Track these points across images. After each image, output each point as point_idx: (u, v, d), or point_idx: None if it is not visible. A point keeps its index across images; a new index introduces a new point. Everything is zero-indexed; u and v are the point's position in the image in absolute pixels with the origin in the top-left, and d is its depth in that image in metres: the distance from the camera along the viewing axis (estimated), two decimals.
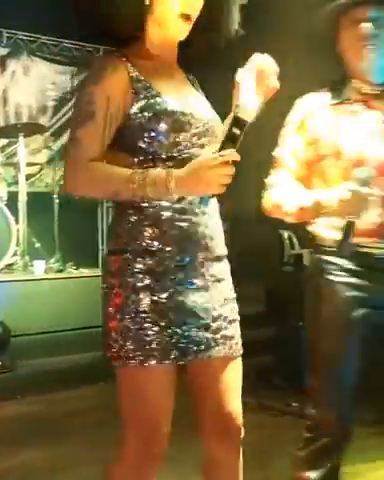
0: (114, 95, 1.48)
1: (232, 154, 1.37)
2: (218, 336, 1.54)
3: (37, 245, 5.56)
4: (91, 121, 1.47)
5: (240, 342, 1.61)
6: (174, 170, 1.44)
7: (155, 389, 1.50)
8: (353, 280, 1.76)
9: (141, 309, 1.47)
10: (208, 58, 1.74)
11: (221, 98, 1.66)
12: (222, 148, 1.38)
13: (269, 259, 4.21)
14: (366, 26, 1.77)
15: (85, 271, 5.46)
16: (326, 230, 1.80)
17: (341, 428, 1.79)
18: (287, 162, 1.86)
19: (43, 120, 6.54)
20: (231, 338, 1.57)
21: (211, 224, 1.57)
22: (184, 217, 1.51)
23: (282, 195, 1.82)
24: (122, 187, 1.43)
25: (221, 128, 1.47)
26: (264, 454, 2.68)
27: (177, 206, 1.51)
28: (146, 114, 1.48)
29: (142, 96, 1.50)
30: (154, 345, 1.46)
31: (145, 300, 1.47)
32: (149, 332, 1.47)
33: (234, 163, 1.39)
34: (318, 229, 1.84)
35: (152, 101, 1.49)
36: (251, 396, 3.26)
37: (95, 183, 1.48)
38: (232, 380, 1.60)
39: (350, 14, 1.80)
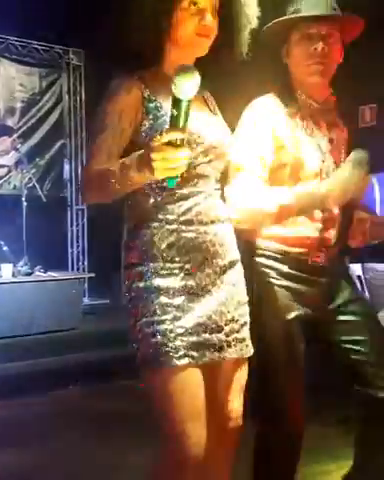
0: (126, 112, 1.56)
1: (169, 134, 1.32)
2: (231, 338, 1.62)
3: (5, 248, 5.50)
4: (101, 135, 1.55)
5: (250, 344, 1.68)
6: (137, 155, 1.42)
7: (179, 390, 1.54)
8: (291, 284, 1.82)
9: (157, 317, 1.55)
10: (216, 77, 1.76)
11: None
12: (167, 131, 1.34)
13: None
14: (318, 43, 1.77)
15: (54, 274, 5.42)
16: (266, 239, 1.83)
17: (294, 421, 1.81)
18: (252, 166, 1.73)
19: (11, 122, 6.49)
20: (242, 340, 1.65)
21: (220, 231, 1.64)
22: (191, 228, 1.59)
23: (254, 199, 1.70)
24: (117, 180, 1.45)
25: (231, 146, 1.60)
26: None
27: (183, 218, 1.59)
28: (155, 132, 1.53)
29: (152, 115, 1.57)
30: (172, 349, 1.53)
31: (160, 307, 1.55)
32: (167, 337, 1.54)
33: (181, 144, 1.33)
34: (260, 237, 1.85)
35: (161, 120, 1.56)
36: None
37: (96, 186, 1.53)
38: (239, 381, 1.69)
39: (302, 29, 1.80)
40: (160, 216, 1.59)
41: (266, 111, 1.80)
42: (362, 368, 1.84)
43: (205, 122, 1.64)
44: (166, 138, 1.32)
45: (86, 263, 7.07)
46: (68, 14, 5.60)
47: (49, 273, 5.40)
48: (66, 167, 6.95)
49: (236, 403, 1.69)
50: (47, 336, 4.86)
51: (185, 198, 1.59)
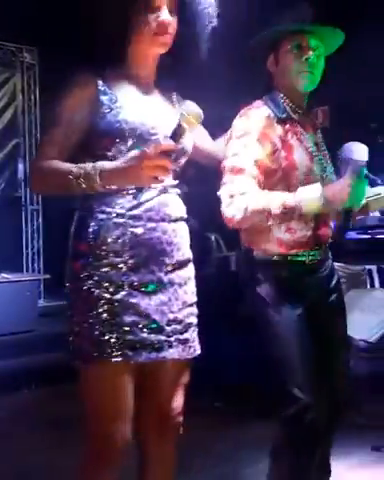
0: (80, 107, 1.59)
1: (167, 143, 1.46)
2: (172, 339, 1.61)
3: None
4: (54, 130, 1.61)
5: (196, 346, 1.68)
6: (103, 163, 1.52)
7: (109, 387, 1.55)
8: (287, 286, 1.88)
9: (97, 310, 1.55)
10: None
11: None
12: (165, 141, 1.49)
13: (195, 262, 4.24)
14: (309, 54, 1.87)
15: (8, 276, 5.33)
16: (263, 245, 1.90)
17: (308, 398, 1.81)
18: (249, 169, 1.82)
19: None
20: (185, 341, 1.64)
21: (170, 229, 1.64)
22: (138, 223, 1.59)
23: (257, 200, 1.78)
24: (66, 181, 1.51)
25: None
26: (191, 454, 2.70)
27: (131, 213, 1.59)
28: (109, 123, 1.58)
29: (106, 107, 1.60)
30: (108, 344, 1.53)
31: (100, 301, 1.55)
32: (103, 332, 1.54)
33: (169, 155, 1.46)
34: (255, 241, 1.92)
35: (115, 112, 1.59)
36: None
37: (46, 180, 1.59)
38: (180, 381, 1.69)
39: (293, 40, 1.89)
40: (108, 209, 1.59)
41: (259, 118, 1.88)
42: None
43: (163, 116, 1.66)
44: (163, 147, 1.43)
45: (41, 264, 6.98)
46: (21, 12, 5.51)
47: (3, 275, 5.32)
48: (20, 166, 6.83)
49: (176, 402, 1.68)
50: (2, 339, 4.78)
51: (135, 193, 1.59)
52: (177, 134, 1.50)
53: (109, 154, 1.59)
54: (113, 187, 1.54)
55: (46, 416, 3.44)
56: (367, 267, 4.05)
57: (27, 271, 6.77)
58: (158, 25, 1.60)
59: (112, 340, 1.53)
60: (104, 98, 1.61)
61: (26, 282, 5.41)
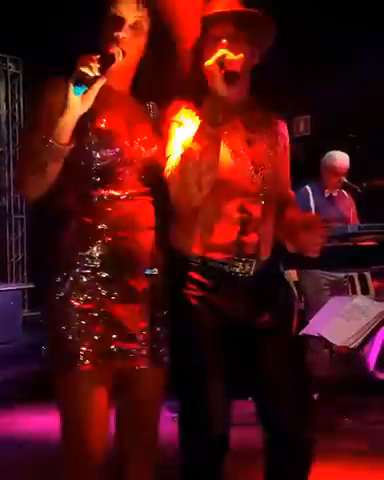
0: (53, 111, 1.56)
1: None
2: (144, 348, 1.60)
3: None
4: (29, 136, 1.60)
5: (167, 355, 1.66)
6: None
7: (81, 396, 1.55)
8: (207, 295, 1.71)
9: (68, 319, 1.55)
10: None
11: None
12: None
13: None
14: (224, 45, 1.64)
15: None
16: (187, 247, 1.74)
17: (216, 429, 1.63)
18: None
19: None
20: (157, 351, 1.63)
21: (142, 240, 1.63)
22: (109, 233, 1.59)
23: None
24: (42, 148, 1.50)
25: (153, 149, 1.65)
26: None
27: (101, 223, 1.59)
28: (79, 129, 1.56)
29: None
30: (79, 353, 1.53)
31: (72, 310, 1.55)
32: (74, 340, 1.54)
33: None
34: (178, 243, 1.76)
35: (86, 120, 1.57)
36: None
37: (27, 165, 1.57)
38: (154, 390, 1.67)
39: (208, 32, 1.73)
40: (79, 219, 1.60)
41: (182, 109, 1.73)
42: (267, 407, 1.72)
43: (134, 124, 1.66)
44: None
45: (25, 274, 6.96)
46: (5, 22, 5.53)
47: None
48: (4, 176, 6.84)
49: (152, 411, 1.68)
50: None
51: (104, 202, 1.59)
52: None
53: (82, 163, 1.60)
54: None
55: (31, 427, 3.42)
56: (349, 274, 4.09)
57: (11, 281, 6.75)
58: (119, 39, 1.60)
59: (83, 348, 1.53)
60: None
61: (10, 292, 5.38)
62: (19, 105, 7.00)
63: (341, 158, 4.21)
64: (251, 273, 1.75)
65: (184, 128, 1.68)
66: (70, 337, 1.54)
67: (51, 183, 1.58)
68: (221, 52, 1.57)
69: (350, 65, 4.96)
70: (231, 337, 1.70)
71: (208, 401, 1.64)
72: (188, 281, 1.72)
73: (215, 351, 1.67)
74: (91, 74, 1.46)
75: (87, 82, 1.46)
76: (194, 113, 1.72)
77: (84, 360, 1.53)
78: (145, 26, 1.66)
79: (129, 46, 1.62)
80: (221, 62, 1.56)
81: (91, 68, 1.46)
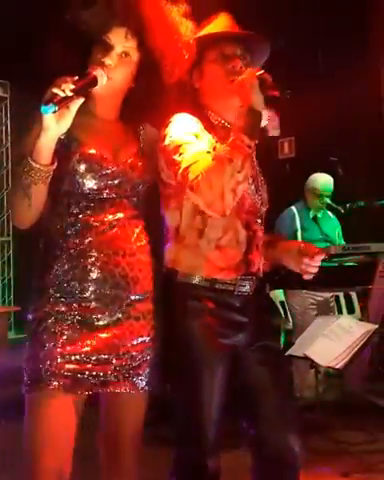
0: (34, 134, 1.57)
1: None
2: (120, 373, 1.60)
3: None
4: (17, 157, 1.61)
5: (147, 380, 1.64)
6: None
7: (44, 416, 1.54)
8: (214, 320, 1.68)
9: (44, 341, 1.57)
10: None
11: None
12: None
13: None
14: (236, 61, 1.73)
15: None
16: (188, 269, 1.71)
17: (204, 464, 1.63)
18: (192, 140, 1.65)
19: None
20: (136, 375, 1.62)
21: (125, 263, 1.63)
22: (92, 257, 1.60)
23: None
24: (24, 170, 1.52)
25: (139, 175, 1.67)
26: None
27: (83, 247, 1.60)
28: (66, 156, 1.59)
29: (63, 138, 1.59)
30: (48, 373, 1.54)
31: (50, 333, 1.57)
32: (46, 360, 1.55)
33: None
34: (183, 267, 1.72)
35: (71, 146, 1.61)
36: None
37: (13, 190, 1.58)
38: (132, 414, 1.67)
39: (218, 49, 1.76)
40: (63, 243, 1.61)
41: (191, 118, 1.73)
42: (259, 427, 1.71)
43: (122, 149, 1.68)
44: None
45: (12, 296, 6.91)
46: None
47: None
48: None
49: (131, 435, 1.67)
50: None
51: (91, 227, 1.60)
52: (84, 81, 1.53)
53: (69, 189, 1.62)
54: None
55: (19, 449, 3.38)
56: (335, 294, 4.12)
57: None
58: (105, 65, 1.61)
59: (52, 369, 1.54)
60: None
61: None
62: (7, 129, 7.02)
63: (324, 181, 4.26)
64: (251, 292, 1.75)
65: (201, 139, 1.67)
66: (42, 357, 1.55)
67: (38, 210, 1.59)
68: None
69: (333, 84, 5.05)
70: (233, 359, 1.69)
71: (205, 424, 1.63)
72: (192, 306, 1.67)
73: (220, 379, 1.65)
74: (61, 94, 1.45)
75: (57, 101, 1.44)
76: (202, 126, 1.73)
77: (52, 381, 1.54)
78: (134, 57, 1.67)
79: (115, 73, 1.63)
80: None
81: (62, 88, 1.45)
